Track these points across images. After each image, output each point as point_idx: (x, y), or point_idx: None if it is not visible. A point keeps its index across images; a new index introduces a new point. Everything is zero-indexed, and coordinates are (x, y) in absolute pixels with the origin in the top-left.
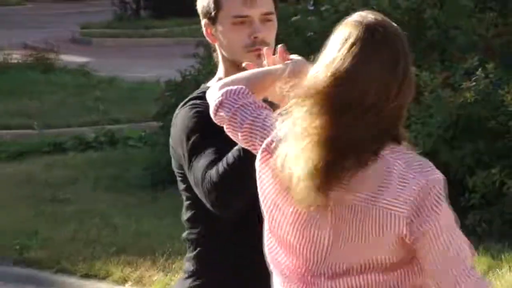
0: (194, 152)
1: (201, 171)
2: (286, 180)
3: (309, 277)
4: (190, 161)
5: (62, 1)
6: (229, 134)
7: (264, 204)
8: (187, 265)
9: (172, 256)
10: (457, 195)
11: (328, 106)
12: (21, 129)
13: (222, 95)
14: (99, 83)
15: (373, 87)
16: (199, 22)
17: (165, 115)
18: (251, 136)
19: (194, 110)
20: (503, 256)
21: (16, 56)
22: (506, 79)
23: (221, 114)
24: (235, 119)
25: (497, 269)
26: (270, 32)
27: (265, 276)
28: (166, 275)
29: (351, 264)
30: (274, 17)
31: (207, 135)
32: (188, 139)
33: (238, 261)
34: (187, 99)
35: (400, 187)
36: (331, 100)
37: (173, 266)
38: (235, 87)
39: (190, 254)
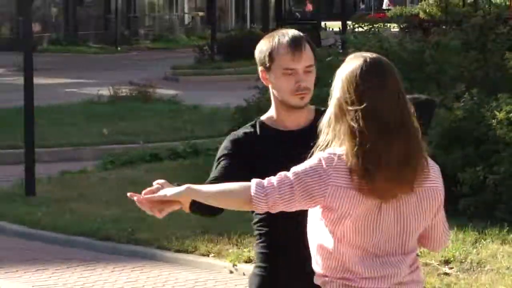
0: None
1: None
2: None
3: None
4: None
5: (157, 50)
6: (289, 207)
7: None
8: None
9: (243, 234)
10: (450, 187)
11: None
12: (129, 144)
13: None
14: (186, 109)
15: None
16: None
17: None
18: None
19: (229, 138)
20: (486, 231)
21: (124, 90)
22: (486, 101)
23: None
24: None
25: (482, 241)
26: (310, 80)
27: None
28: (239, 248)
29: (414, 240)
30: (313, 68)
31: (225, 157)
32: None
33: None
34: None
35: (432, 170)
36: None
37: (244, 241)
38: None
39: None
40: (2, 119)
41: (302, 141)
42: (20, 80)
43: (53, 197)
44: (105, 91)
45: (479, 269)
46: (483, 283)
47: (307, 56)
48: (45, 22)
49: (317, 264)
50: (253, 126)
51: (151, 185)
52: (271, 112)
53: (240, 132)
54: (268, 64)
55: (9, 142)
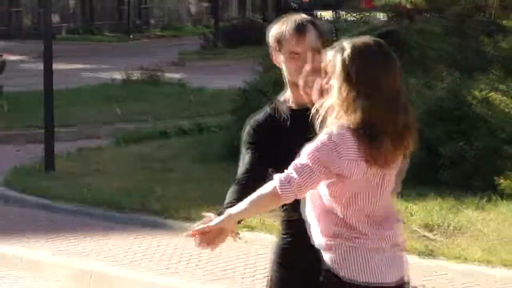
0: (244, 155)
1: (238, 173)
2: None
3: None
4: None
5: (166, 38)
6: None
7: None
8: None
9: None
10: (434, 158)
11: None
12: (140, 123)
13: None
14: (191, 91)
15: None
16: (257, 49)
17: (236, 111)
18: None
19: (251, 125)
20: (464, 199)
21: (136, 74)
22: (466, 82)
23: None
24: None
25: (460, 208)
26: (318, 61)
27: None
28: None
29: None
30: (320, 50)
31: (250, 146)
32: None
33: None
34: (257, 114)
35: None
36: None
37: None
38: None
39: None
40: (25, 102)
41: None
42: (41, 66)
43: (71, 171)
44: (119, 75)
45: (457, 233)
46: (461, 246)
47: (311, 39)
48: (63, 13)
49: (321, 234)
50: (271, 108)
51: (159, 160)
52: (287, 92)
53: (260, 117)
54: (278, 48)
55: (32, 122)
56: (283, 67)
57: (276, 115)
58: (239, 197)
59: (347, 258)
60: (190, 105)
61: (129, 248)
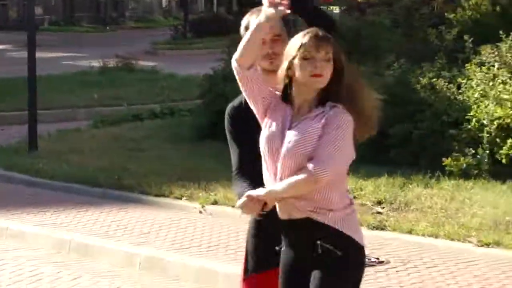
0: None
1: (233, 166)
2: None
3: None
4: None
5: (140, 29)
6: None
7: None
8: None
9: (210, 181)
10: (383, 139)
11: None
12: (115, 107)
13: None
14: (163, 77)
15: None
16: (223, 40)
17: (203, 95)
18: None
19: (229, 113)
20: (412, 177)
21: (112, 62)
22: (412, 69)
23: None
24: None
25: (409, 185)
26: (278, 47)
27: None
28: (207, 192)
29: None
30: (282, 37)
31: (234, 134)
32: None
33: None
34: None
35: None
36: None
37: (211, 187)
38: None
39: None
40: (10, 87)
41: None
42: (25, 54)
43: (52, 150)
44: (96, 63)
45: (406, 208)
46: (409, 220)
47: (276, 27)
48: (46, 6)
49: (334, 203)
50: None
51: (133, 140)
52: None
53: (236, 103)
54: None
55: (16, 105)
56: None
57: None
58: (249, 184)
59: (355, 223)
60: (162, 90)
61: (104, 220)
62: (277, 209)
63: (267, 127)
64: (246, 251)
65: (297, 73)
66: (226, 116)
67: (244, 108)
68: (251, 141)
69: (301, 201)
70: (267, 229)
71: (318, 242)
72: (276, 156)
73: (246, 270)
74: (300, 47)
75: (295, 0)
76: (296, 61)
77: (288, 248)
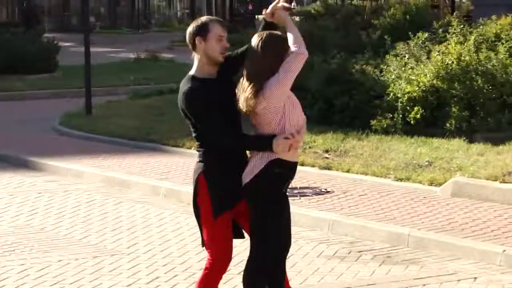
0: (200, 118)
1: (215, 135)
2: None
3: None
4: (203, 121)
5: (162, 32)
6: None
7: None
8: (199, 159)
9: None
10: (330, 107)
11: None
12: (145, 85)
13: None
14: (177, 65)
15: None
16: None
17: None
18: None
19: (194, 93)
20: (350, 133)
21: (143, 55)
22: (349, 59)
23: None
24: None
25: (347, 138)
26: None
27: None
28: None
29: None
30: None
31: (208, 109)
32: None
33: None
34: (186, 82)
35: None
36: None
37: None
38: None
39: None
40: (73, 71)
41: (223, 82)
42: (82, 49)
43: (101, 115)
44: (132, 55)
45: (345, 154)
46: (347, 163)
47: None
48: (97, 15)
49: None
50: (194, 79)
51: (157, 108)
52: (198, 69)
53: (193, 86)
54: (204, 33)
55: (77, 84)
56: (207, 48)
57: (200, 83)
58: (244, 136)
59: None
60: (177, 73)
61: (137, 163)
62: (294, 155)
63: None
64: (208, 197)
65: None
66: (192, 98)
67: (202, 88)
68: (217, 111)
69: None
70: (226, 175)
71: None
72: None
73: (214, 208)
74: None
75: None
76: None
77: (288, 182)
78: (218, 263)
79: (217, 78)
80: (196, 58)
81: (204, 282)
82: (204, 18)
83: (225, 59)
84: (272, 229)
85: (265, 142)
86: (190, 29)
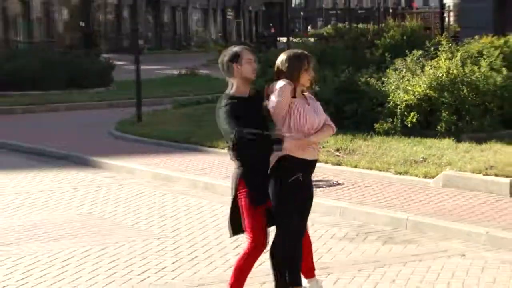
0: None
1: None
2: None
3: None
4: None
5: (200, 52)
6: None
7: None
8: (237, 166)
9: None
10: (340, 113)
11: None
12: (186, 96)
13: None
14: (213, 79)
15: None
16: None
17: None
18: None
19: (230, 105)
20: (357, 135)
21: (184, 71)
22: (356, 74)
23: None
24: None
25: (355, 139)
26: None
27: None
28: None
29: None
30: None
31: (234, 116)
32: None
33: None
34: (222, 99)
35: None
36: None
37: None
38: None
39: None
40: (125, 85)
41: (252, 100)
42: (133, 67)
43: (150, 122)
44: (175, 72)
45: (353, 153)
46: (355, 159)
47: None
48: (145, 38)
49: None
50: (229, 97)
51: (196, 116)
52: (235, 89)
53: (228, 102)
54: (238, 60)
55: (130, 96)
56: (242, 71)
57: (234, 99)
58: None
59: None
60: (212, 86)
61: (180, 161)
62: (305, 153)
63: (303, 109)
64: (245, 181)
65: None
66: (228, 106)
67: (237, 104)
68: (239, 120)
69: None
70: (258, 177)
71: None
72: (316, 119)
73: (251, 200)
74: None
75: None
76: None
77: (304, 175)
78: (257, 247)
79: (248, 97)
80: (232, 81)
81: (244, 259)
82: (235, 48)
83: (258, 92)
84: (286, 212)
85: (270, 138)
86: (225, 58)
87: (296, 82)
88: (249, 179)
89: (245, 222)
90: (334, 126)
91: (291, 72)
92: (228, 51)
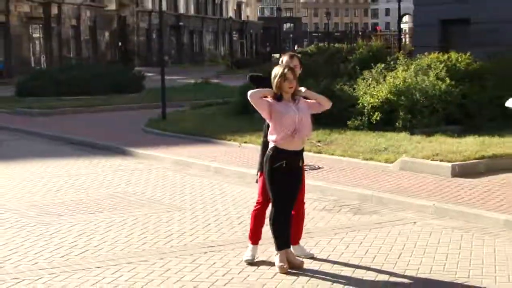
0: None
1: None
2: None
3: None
4: None
5: (211, 65)
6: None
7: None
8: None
9: (244, 132)
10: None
11: None
12: (200, 100)
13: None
14: (222, 87)
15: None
16: (248, 70)
17: (242, 94)
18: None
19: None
20: (333, 130)
21: (199, 80)
22: (333, 82)
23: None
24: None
25: (332, 133)
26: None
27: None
28: (241, 137)
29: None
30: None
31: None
32: None
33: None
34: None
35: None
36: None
37: (244, 135)
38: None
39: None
40: (154, 91)
41: None
42: (159, 77)
43: (172, 120)
44: (191, 81)
45: (330, 143)
46: (332, 149)
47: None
48: (169, 55)
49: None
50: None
51: (209, 115)
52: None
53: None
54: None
55: (156, 100)
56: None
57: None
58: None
59: None
60: (221, 92)
61: (195, 151)
62: (294, 143)
63: (283, 110)
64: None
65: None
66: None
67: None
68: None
69: (308, 136)
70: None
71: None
72: (296, 118)
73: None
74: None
75: (254, 80)
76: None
77: (288, 163)
78: (262, 202)
79: None
80: None
81: (257, 213)
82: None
83: None
84: (275, 191)
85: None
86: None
87: (278, 89)
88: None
89: (259, 187)
90: (327, 103)
91: (274, 82)
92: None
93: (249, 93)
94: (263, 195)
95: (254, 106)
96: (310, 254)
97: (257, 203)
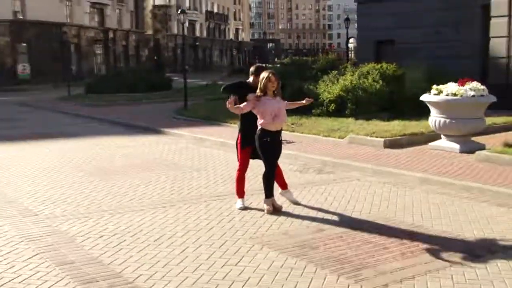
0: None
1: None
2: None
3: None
4: None
5: (217, 70)
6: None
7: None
8: (239, 128)
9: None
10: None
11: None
12: (210, 95)
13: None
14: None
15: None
16: (243, 74)
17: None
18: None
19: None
20: (303, 116)
21: (209, 82)
22: (303, 83)
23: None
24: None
25: (302, 118)
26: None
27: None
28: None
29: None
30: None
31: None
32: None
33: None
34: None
35: None
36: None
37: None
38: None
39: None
40: (179, 90)
41: None
42: (182, 80)
43: (191, 109)
44: (203, 82)
45: (301, 125)
46: (302, 129)
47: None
48: (189, 64)
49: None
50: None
51: (218, 106)
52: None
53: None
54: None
55: (181, 96)
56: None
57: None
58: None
59: None
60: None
61: (206, 131)
62: (274, 125)
63: (268, 102)
64: (241, 136)
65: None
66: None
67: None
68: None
69: (284, 121)
70: (249, 135)
71: (280, 136)
72: (276, 108)
73: (242, 145)
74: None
75: (228, 90)
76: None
77: (273, 138)
78: (241, 169)
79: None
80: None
81: (238, 178)
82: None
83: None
84: (265, 156)
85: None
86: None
87: (264, 87)
88: (244, 136)
89: (238, 156)
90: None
91: (261, 83)
92: (263, 74)
93: (237, 112)
94: (242, 164)
95: (244, 111)
96: (295, 200)
97: (238, 170)
